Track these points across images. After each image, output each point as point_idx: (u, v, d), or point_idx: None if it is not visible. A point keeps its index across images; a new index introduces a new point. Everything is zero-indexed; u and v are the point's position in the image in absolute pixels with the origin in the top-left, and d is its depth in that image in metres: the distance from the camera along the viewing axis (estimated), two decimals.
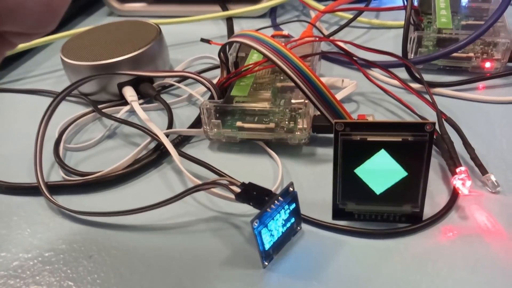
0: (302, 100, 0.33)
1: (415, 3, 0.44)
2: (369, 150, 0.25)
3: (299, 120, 0.33)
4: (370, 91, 0.40)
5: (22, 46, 0.49)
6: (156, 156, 0.35)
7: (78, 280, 0.27)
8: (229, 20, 0.55)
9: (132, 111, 0.40)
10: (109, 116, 0.38)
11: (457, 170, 0.29)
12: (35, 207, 0.32)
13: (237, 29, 0.55)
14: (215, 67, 0.45)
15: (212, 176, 0.33)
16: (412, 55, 0.42)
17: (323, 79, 0.31)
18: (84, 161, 0.36)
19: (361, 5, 0.53)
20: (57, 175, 0.35)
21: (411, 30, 0.42)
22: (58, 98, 0.35)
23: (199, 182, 0.29)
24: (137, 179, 0.34)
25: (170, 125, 0.38)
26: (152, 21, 0.47)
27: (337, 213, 0.28)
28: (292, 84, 0.31)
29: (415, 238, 0.27)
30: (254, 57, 0.39)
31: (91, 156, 0.36)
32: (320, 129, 0.34)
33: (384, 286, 0.25)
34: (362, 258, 0.26)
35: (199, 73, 0.38)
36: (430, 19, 0.44)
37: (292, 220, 0.27)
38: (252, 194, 0.27)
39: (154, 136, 0.35)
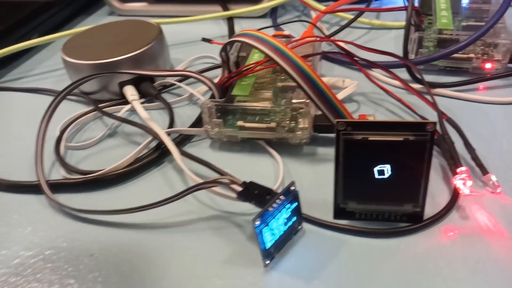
0: (303, 100, 0.33)
1: (416, 4, 0.44)
2: (371, 149, 0.25)
3: (300, 120, 0.33)
4: (371, 91, 0.40)
5: (22, 44, 0.49)
6: (157, 155, 0.35)
7: (79, 278, 0.27)
8: (230, 20, 0.55)
9: (133, 110, 0.40)
10: (110, 115, 0.38)
11: (458, 170, 0.29)
12: (36, 205, 0.32)
13: (237, 29, 0.55)
14: (216, 67, 0.45)
15: (213, 175, 0.33)
16: (412, 56, 0.42)
17: (324, 79, 0.31)
18: (85, 159, 0.36)
19: (362, 6, 0.53)
20: (58, 174, 0.35)
21: (412, 30, 0.42)
22: (59, 97, 0.35)
23: (200, 181, 0.29)
24: (138, 177, 0.34)
25: (171, 124, 0.38)
26: (153, 20, 0.47)
27: (338, 212, 0.28)
28: (294, 83, 0.31)
29: (416, 238, 0.27)
30: (255, 57, 0.39)
31: (92, 154, 0.37)
32: (321, 129, 0.34)
33: (384, 285, 0.25)
34: (363, 257, 0.26)
35: (200, 72, 0.38)
36: (430, 20, 0.44)
37: (294, 219, 0.27)
38: (253, 193, 0.27)
39: (155, 135, 0.35)
